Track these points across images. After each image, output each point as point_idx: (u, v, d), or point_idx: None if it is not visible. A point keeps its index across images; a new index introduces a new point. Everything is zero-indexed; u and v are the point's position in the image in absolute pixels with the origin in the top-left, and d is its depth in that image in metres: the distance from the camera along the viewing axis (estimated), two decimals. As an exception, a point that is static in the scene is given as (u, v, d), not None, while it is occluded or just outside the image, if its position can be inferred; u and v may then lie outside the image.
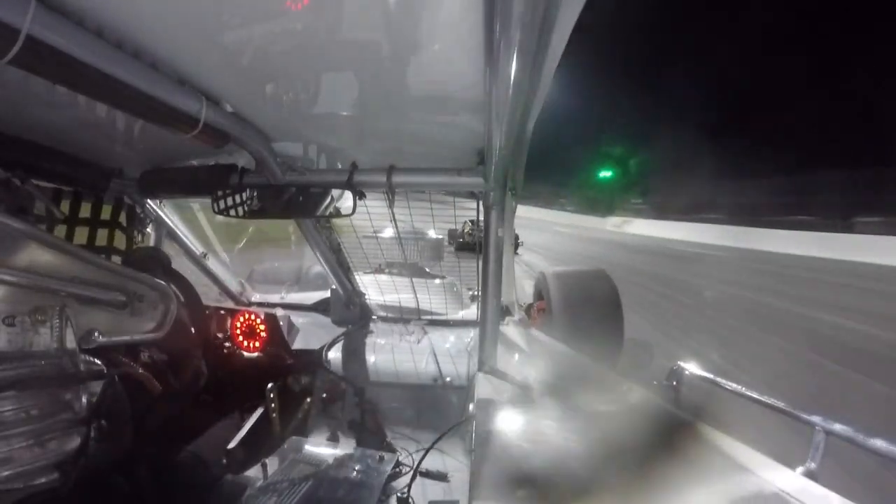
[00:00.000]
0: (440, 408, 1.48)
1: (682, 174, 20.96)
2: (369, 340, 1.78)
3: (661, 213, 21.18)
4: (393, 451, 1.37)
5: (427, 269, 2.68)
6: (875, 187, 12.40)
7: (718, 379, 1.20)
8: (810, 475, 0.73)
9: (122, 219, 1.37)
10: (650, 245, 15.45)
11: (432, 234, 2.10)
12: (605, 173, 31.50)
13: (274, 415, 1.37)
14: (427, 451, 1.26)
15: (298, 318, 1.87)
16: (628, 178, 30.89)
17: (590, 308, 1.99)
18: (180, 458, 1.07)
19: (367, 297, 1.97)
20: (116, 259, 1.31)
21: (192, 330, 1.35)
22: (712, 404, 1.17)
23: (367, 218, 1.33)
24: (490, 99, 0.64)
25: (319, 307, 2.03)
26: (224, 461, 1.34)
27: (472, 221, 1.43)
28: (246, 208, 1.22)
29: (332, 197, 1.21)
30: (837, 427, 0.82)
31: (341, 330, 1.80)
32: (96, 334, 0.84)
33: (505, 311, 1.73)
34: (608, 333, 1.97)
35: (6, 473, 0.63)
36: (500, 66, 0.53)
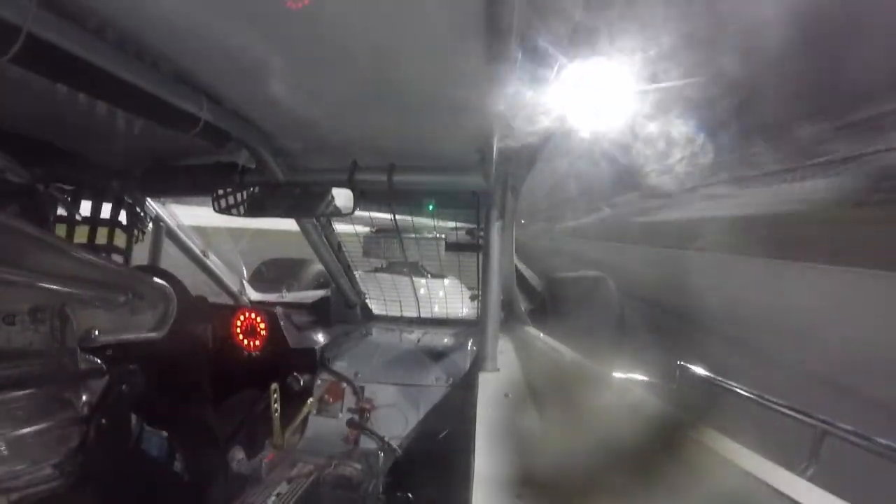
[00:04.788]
0: (440, 408, 1.48)
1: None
2: (369, 340, 1.78)
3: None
4: (393, 450, 1.37)
5: (427, 269, 2.68)
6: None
7: (718, 379, 1.21)
8: (809, 476, 0.73)
9: (123, 218, 1.37)
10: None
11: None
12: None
13: (274, 414, 1.37)
14: (427, 451, 1.26)
15: (298, 318, 1.87)
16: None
17: (589, 310, 2.04)
18: (179, 458, 1.07)
19: (367, 296, 1.97)
20: (117, 258, 1.31)
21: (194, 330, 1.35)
22: (712, 404, 1.17)
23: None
24: (490, 98, 0.64)
25: (319, 306, 2.02)
26: (223, 460, 1.34)
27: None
28: (246, 207, 1.22)
29: (332, 196, 1.21)
30: (837, 427, 0.82)
31: (341, 329, 1.79)
32: (96, 333, 0.84)
33: (506, 311, 1.73)
34: (607, 335, 2.01)
35: (5, 473, 0.63)
36: (501, 65, 0.53)
